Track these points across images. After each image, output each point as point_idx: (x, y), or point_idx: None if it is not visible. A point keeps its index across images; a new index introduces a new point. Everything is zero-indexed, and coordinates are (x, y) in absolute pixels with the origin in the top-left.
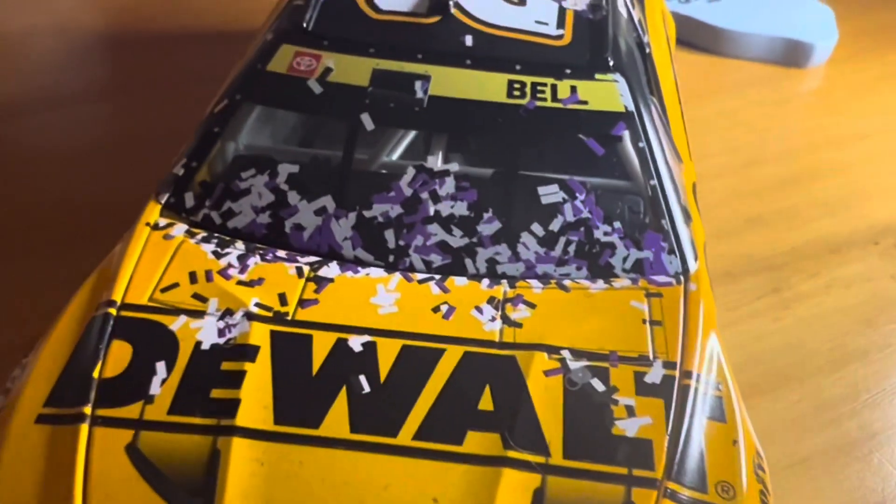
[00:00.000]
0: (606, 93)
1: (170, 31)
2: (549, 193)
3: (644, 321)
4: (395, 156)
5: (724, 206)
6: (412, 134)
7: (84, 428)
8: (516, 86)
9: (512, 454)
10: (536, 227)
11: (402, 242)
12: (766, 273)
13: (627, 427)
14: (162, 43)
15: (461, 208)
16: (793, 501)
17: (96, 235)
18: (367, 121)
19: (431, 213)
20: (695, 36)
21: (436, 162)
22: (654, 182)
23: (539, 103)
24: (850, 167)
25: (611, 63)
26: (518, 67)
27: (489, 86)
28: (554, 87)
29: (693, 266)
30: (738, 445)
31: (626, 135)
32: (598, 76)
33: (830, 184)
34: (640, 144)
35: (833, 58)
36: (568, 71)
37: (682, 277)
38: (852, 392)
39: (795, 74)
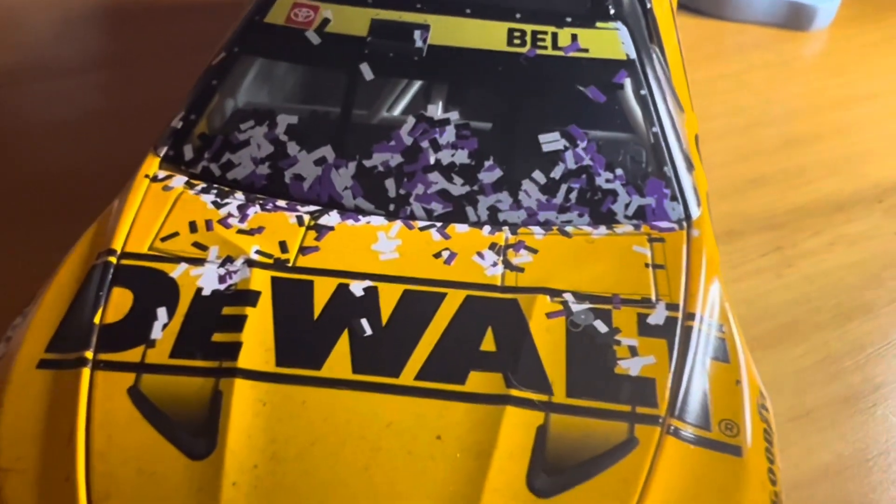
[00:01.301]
0: (607, 41)
1: (165, 2)
2: (551, 141)
3: (647, 265)
4: (395, 111)
5: (727, 166)
6: (412, 89)
7: (86, 372)
8: (516, 34)
9: (514, 392)
10: (538, 175)
11: (402, 191)
12: (770, 231)
13: (630, 366)
14: (160, 13)
15: (462, 156)
16: (797, 452)
17: (94, 203)
18: (366, 71)
19: (432, 161)
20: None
21: (436, 111)
22: (656, 129)
23: (539, 51)
24: (853, 128)
25: (612, 11)
26: (518, 16)
27: (489, 34)
28: (554, 36)
29: (696, 212)
30: (741, 385)
31: (628, 82)
32: (598, 24)
33: (834, 144)
34: (642, 92)
35: (836, 20)
36: (568, 19)
37: (684, 223)
38: (856, 346)
39: (798, 37)
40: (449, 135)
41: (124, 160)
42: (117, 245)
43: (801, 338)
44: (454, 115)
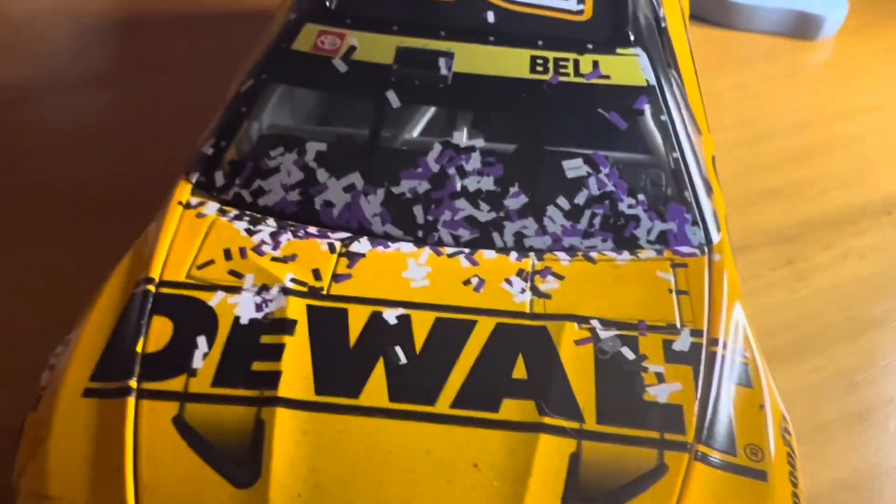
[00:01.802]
0: (628, 67)
1: (178, 14)
2: (574, 167)
3: (670, 291)
4: (419, 133)
5: (736, 178)
6: (435, 111)
7: (131, 401)
8: (539, 61)
9: (547, 420)
10: (562, 201)
11: (430, 217)
12: (781, 245)
13: (658, 393)
14: (171, 27)
15: (487, 183)
16: (812, 467)
17: (109, 218)
18: (392, 98)
19: (458, 188)
20: (705, 9)
21: (461, 138)
22: (677, 154)
23: (562, 78)
24: (862, 139)
25: (632, 37)
26: (540, 43)
27: (512, 62)
28: (576, 62)
29: (716, 237)
30: (764, 410)
31: (648, 108)
32: (619, 51)
33: (843, 156)
34: (662, 118)
35: (843, 30)
36: (590, 46)
37: (706, 248)
38: (868, 360)
39: (806, 47)
40: (475, 161)
41: (137, 175)
42: (155, 273)
43: (814, 352)
44: (479, 142)
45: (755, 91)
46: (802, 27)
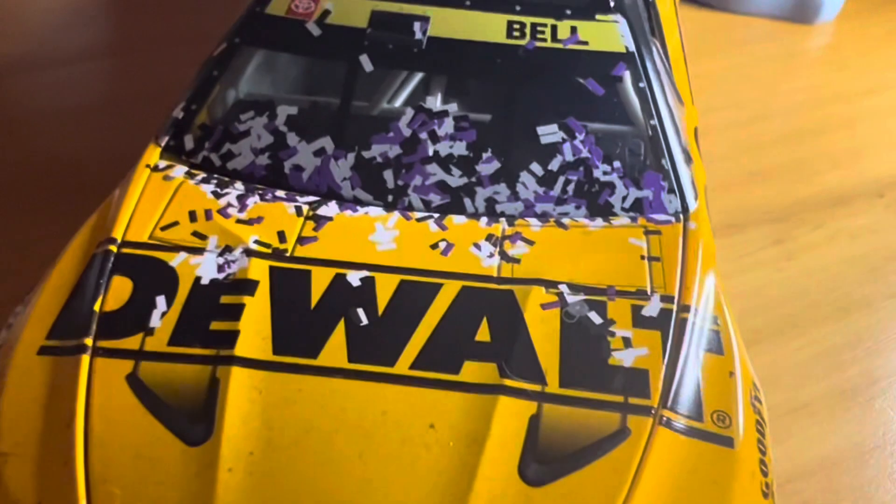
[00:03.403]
0: (607, 33)
1: None
2: (549, 133)
3: (642, 257)
4: (395, 103)
5: (728, 159)
6: (412, 80)
7: (85, 359)
8: (516, 26)
9: (508, 382)
10: (535, 167)
11: (400, 182)
12: (770, 225)
13: (624, 357)
14: (164, 1)
15: (460, 148)
16: (795, 444)
17: (96, 190)
18: (365, 62)
19: (430, 153)
20: None
21: (435, 102)
22: (655, 122)
23: (539, 44)
24: (857, 122)
25: (612, 4)
26: (518, 8)
27: (488, 26)
28: (554, 28)
29: (693, 205)
30: (734, 377)
31: (627, 75)
32: (598, 17)
33: (837, 138)
34: (641, 85)
35: (841, 14)
36: (568, 11)
37: (681, 216)
38: (855, 340)
39: (804, 30)
40: (447, 126)
41: (126, 148)
42: (118, 234)
43: (801, 331)
44: (453, 107)
45: (751, 73)
46: (801, 11)
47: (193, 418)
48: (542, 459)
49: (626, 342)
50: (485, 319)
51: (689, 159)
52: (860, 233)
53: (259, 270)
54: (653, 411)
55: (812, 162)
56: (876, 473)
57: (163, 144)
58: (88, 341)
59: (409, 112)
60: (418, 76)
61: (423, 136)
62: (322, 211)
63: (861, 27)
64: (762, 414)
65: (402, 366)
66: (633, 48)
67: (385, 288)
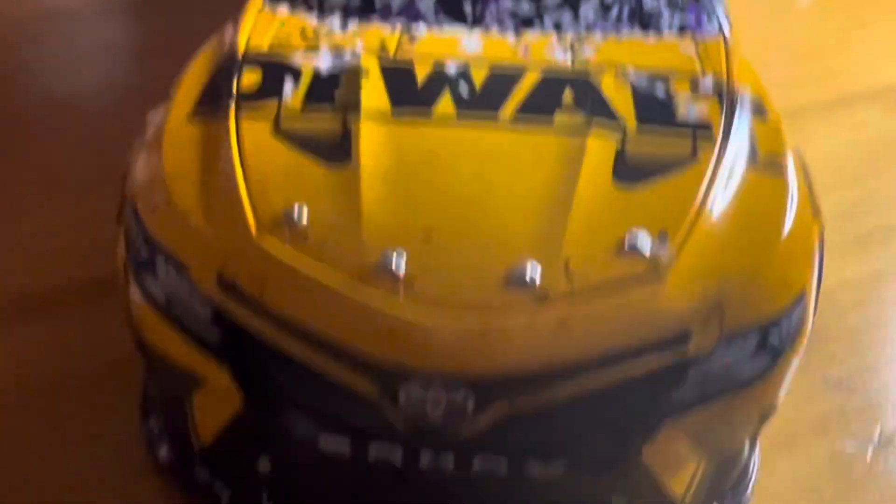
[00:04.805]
0: None
1: None
2: None
3: (694, 55)
4: None
5: None
6: None
7: (231, 120)
8: None
9: (595, 125)
10: None
11: (478, 10)
12: None
13: (689, 112)
14: None
15: None
16: None
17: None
18: None
19: None
20: None
21: None
22: None
23: None
24: None
25: None
26: None
27: None
28: None
29: (728, 31)
30: (781, 133)
31: None
32: None
33: None
34: None
35: None
36: None
37: (721, 34)
38: None
39: None
40: None
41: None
42: (240, 48)
43: None
44: None
45: None
46: None
47: (333, 150)
48: (629, 174)
49: (689, 104)
50: (568, 88)
51: None
52: None
53: (370, 62)
54: (716, 148)
55: None
56: None
57: None
58: (231, 109)
59: None
60: None
61: None
62: (413, 30)
63: None
64: (806, 170)
65: (504, 117)
66: None
67: (479, 72)
